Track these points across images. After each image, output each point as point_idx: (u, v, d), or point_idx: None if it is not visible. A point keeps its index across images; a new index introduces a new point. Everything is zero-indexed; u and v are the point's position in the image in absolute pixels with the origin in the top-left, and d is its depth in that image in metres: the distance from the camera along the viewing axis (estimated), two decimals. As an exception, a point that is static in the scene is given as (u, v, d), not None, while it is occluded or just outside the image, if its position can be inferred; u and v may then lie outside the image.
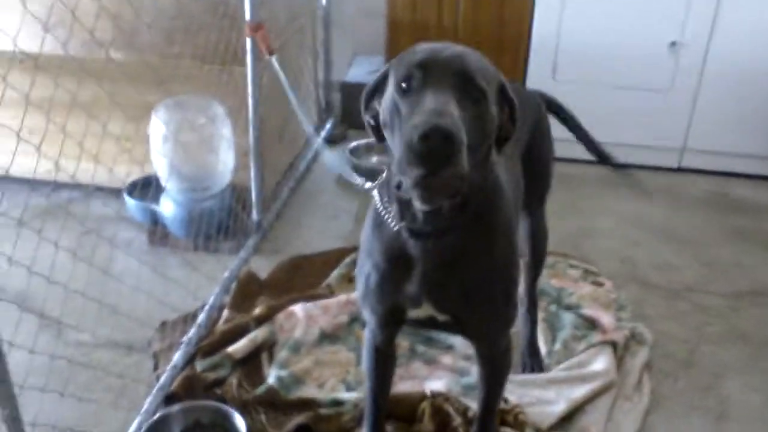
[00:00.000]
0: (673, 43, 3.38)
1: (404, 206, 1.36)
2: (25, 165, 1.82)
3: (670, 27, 3.36)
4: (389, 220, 1.41)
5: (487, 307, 1.50)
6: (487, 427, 1.81)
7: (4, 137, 1.73)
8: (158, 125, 2.64)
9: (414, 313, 1.50)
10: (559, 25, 3.43)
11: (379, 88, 1.35)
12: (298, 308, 2.43)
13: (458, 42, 1.30)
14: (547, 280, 2.65)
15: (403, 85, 1.22)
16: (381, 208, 1.44)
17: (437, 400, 2.05)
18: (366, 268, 1.52)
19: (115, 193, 2.93)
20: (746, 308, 2.68)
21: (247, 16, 2.52)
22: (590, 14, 3.41)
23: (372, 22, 3.88)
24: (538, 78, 3.51)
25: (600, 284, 2.69)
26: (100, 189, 2.89)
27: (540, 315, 2.44)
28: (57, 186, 2.95)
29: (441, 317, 1.49)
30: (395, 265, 1.45)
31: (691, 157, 3.60)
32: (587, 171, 3.60)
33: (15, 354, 1.51)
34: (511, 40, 3.53)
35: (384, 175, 1.45)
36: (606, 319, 2.41)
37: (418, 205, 1.26)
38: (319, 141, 2.28)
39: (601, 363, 2.22)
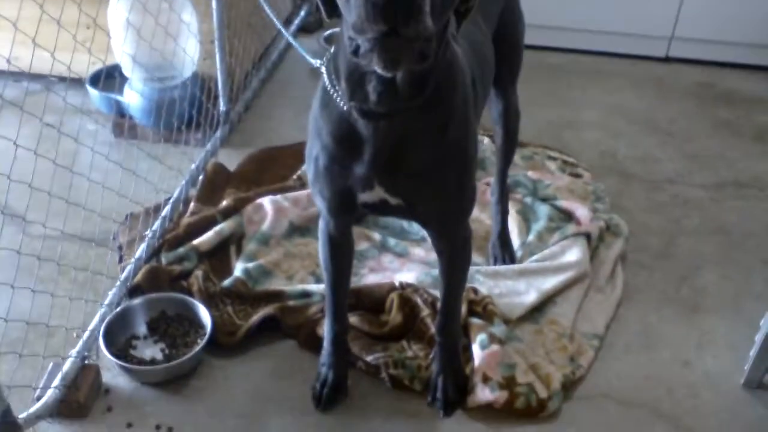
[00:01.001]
0: (666, -77, 3.19)
1: (356, 84, 1.26)
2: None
3: None
4: (338, 98, 1.32)
5: (440, 191, 1.44)
6: (449, 319, 1.78)
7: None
8: (117, 11, 2.49)
9: (365, 197, 1.43)
10: None
11: None
12: (266, 200, 2.36)
13: None
14: (525, 172, 2.57)
15: None
16: (329, 85, 1.34)
17: (406, 291, 2.01)
18: (314, 150, 1.44)
19: (78, 83, 2.80)
20: (728, 200, 2.62)
21: None
22: None
23: None
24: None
25: (578, 176, 2.62)
26: (62, 80, 2.75)
27: (515, 207, 2.38)
28: (15, 77, 2.83)
29: (393, 201, 1.43)
30: (344, 146, 1.37)
31: (680, 45, 3.45)
32: (573, 60, 3.49)
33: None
34: None
35: (332, 50, 1.34)
36: (581, 210, 2.35)
37: (380, 71, 1.15)
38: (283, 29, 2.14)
39: (574, 254, 2.17)
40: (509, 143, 2.13)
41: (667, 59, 3.50)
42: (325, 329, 1.85)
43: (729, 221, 2.51)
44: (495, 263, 2.20)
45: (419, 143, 1.35)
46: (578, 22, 3.44)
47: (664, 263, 2.31)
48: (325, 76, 1.36)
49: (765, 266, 2.31)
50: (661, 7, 3.37)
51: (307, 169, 1.51)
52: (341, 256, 1.71)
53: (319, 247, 1.72)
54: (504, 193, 2.22)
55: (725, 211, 2.56)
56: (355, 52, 1.12)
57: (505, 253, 2.20)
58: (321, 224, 1.67)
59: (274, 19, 1.97)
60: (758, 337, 1.85)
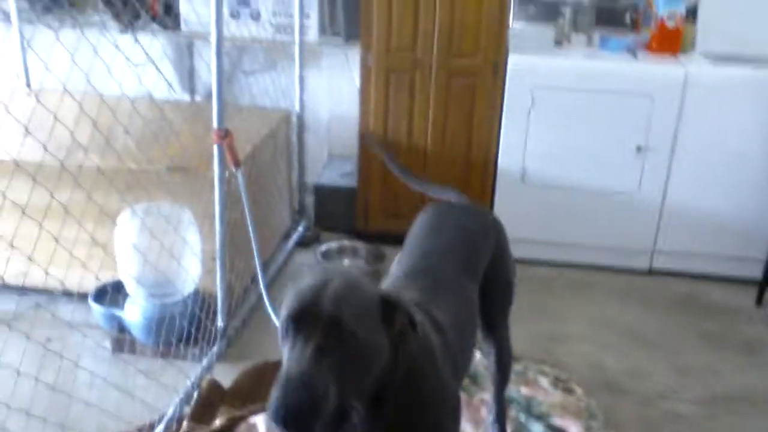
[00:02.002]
0: (639, 148, 3.45)
1: None
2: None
3: (636, 132, 3.44)
4: None
5: None
6: None
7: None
8: (124, 231, 2.63)
9: None
10: (526, 134, 3.50)
11: None
12: (260, 419, 2.37)
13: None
14: (517, 388, 2.60)
15: (282, 331, 1.27)
16: None
17: None
18: None
19: (83, 298, 2.89)
20: (720, 416, 2.63)
21: (215, 123, 2.56)
22: (556, 127, 3.49)
23: (346, 125, 3.95)
24: (507, 182, 3.55)
25: (571, 391, 2.64)
26: (67, 294, 2.84)
27: (509, 425, 2.39)
28: (24, 291, 2.92)
29: None
30: None
31: (662, 258, 3.61)
32: (560, 273, 3.61)
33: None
34: (481, 143, 3.58)
35: None
36: (575, 429, 2.36)
37: None
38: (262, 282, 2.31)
39: (569, 477, 2.15)
40: (503, 376, 2.14)
41: (650, 272, 3.64)
42: None
43: (723, 438, 2.51)
44: (491, 487, 2.17)
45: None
46: (564, 237, 3.61)
47: (661, 484, 2.29)
48: None
49: (763, 487, 2.29)
50: (641, 223, 3.56)
51: None
52: None
53: None
54: (502, 412, 2.22)
55: (718, 428, 2.56)
56: None
57: (502, 474, 2.17)
58: None
59: (259, 270, 2.09)
60: None
